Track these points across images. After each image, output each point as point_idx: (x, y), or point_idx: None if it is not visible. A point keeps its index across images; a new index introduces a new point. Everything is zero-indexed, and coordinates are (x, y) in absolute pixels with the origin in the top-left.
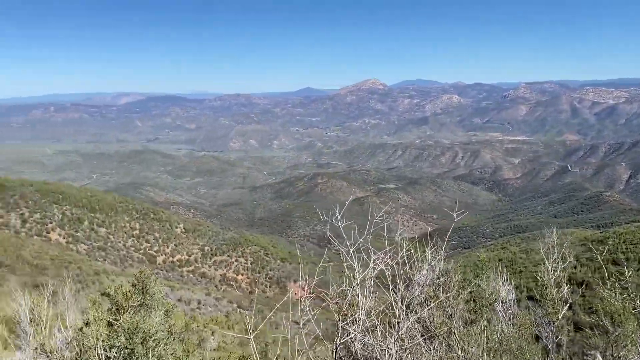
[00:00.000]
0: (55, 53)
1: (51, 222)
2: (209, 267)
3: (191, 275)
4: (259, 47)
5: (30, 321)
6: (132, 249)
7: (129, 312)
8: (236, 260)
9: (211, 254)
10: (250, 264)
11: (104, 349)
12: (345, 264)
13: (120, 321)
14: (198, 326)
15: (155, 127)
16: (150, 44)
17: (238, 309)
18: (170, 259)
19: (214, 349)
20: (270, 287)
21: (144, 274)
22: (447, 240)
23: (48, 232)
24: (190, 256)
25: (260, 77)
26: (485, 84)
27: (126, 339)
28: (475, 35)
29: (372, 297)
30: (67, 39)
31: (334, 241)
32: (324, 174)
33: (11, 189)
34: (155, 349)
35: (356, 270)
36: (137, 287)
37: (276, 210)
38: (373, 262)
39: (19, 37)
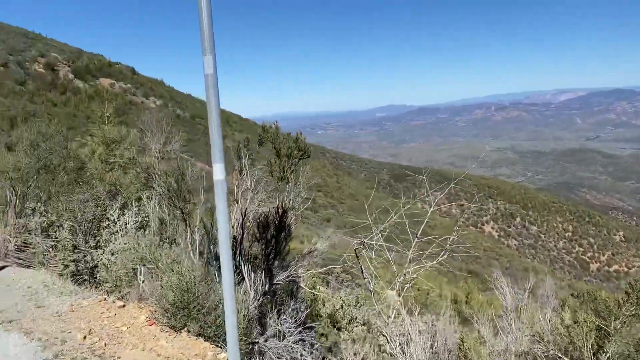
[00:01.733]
0: (495, 58)
1: (485, 215)
2: None
3: None
4: None
5: (515, 308)
6: (564, 251)
7: (620, 320)
8: None
9: None
10: None
11: (594, 353)
12: None
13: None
14: None
15: (596, 125)
16: (589, 39)
17: None
18: (606, 268)
19: None
20: None
21: None
22: None
23: (482, 225)
24: (630, 269)
25: None
26: None
27: (635, 350)
28: None
29: None
30: (514, 42)
31: None
32: None
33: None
34: None
35: None
36: (630, 295)
37: None
38: None
39: (469, 48)
